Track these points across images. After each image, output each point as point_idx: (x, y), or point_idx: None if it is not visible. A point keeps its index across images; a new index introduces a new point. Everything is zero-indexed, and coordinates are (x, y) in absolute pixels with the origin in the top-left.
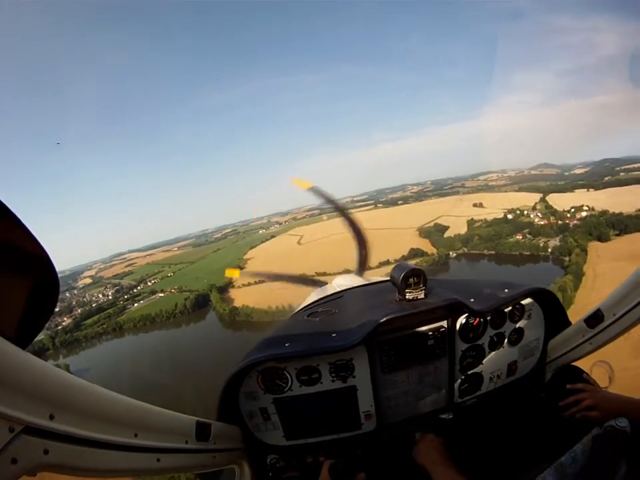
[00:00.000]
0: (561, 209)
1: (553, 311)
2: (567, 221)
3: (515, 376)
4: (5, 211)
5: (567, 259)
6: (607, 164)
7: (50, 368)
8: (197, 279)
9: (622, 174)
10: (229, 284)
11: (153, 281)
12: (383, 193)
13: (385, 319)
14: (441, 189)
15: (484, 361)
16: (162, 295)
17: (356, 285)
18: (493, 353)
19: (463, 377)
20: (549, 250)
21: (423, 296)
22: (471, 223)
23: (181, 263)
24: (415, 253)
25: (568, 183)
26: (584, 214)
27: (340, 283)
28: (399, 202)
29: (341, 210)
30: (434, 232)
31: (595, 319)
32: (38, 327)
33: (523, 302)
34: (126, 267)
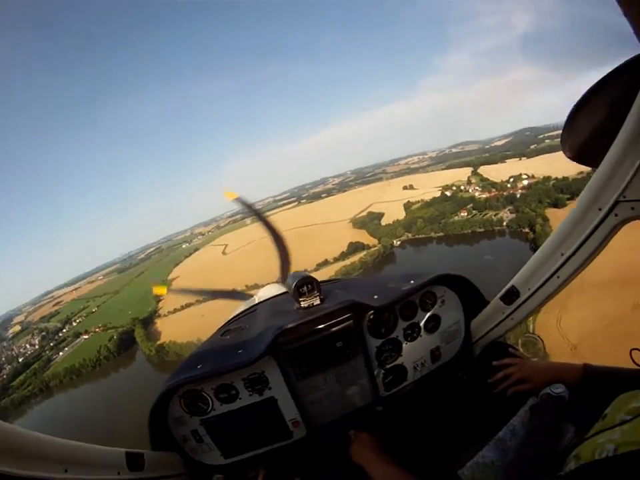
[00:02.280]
0: (499, 180)
1: (468, 293)
2: (512, 191)
3: (440, 361)
4: None
5: (527, 230)
6: (527, 133)
7: None
8: (121, 311)
9: (547, 141)
10: (154, 313)
11: (78, 320)
12: (303, 188)
13: (279, 331)
14: (363, 177)
15: (403, 353)
16: (86, 337)
17: (274, 295)
18: (411, 343)
19: (384, 371)
20: (504, 223)
21: (318, 302)
22: (408, 206)
23: (105, 294)
24: (356, 247)
25: (494, 154)
26: (525, 182)
27: (261, 295)
28: (323, 195)
29: (262, 217)
30: (369, 221)
31: (510, 295)
32: None
33: (434, 290)
34: (53, 306)
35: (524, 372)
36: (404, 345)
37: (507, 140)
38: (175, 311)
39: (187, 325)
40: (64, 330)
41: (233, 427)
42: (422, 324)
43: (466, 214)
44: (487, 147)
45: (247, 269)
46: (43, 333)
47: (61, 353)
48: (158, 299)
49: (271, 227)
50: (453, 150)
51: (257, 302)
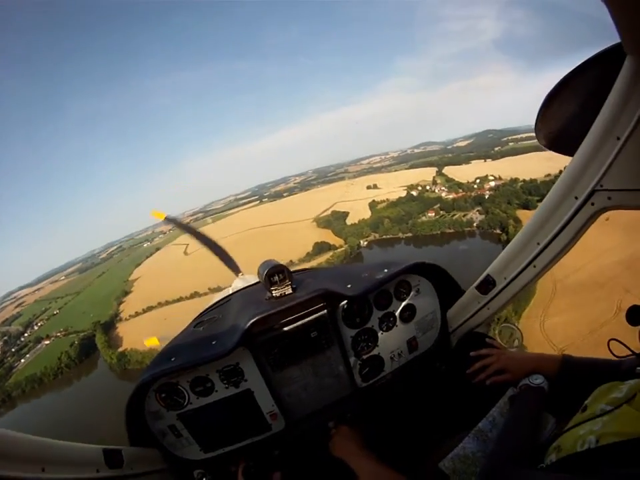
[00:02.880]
0: (465, 181)
1: (443, 283)
2: (479, 192)
3: (418, 351)
4: None
5: (499, 231)
6: (490, 135)
7: None
8: (83, 313)
9: (511, 144)
10: (116, 317)
11: (39, 323)
12: (264, 187)
13: (252, 321)
14: (324, 177)
15: (379, 343)
16: (47, 342)
17: (244, 286)
18: (387, 333)
19: (360, 362)
20: (475, 224)
21: (290, 291)
22: (373, 205)
23: (67, 295)
24: (321, 247)
25: (458, 155)
26: (492, 184)
27: (235, 286)
28: (284, 194)
29: (191, 230)
30: (333, 220)
31: (486, 284)
32: None
33: (408, 279)
34: (15, 307)
35: (502, 362)
36: (380, 335)
37: (469, 141)
38: (137, 314)
39: (149, 330)
40: (25, 334)
41: (211, 420)
42: (397, 313)
43: (434, 214)
44: (449, 147)
45: (208, 270)
46: (5, 338)
47: (22, 360)
48: (119, 300)
49: (203, 237)
50: (415, 150)
51: (230, 292)
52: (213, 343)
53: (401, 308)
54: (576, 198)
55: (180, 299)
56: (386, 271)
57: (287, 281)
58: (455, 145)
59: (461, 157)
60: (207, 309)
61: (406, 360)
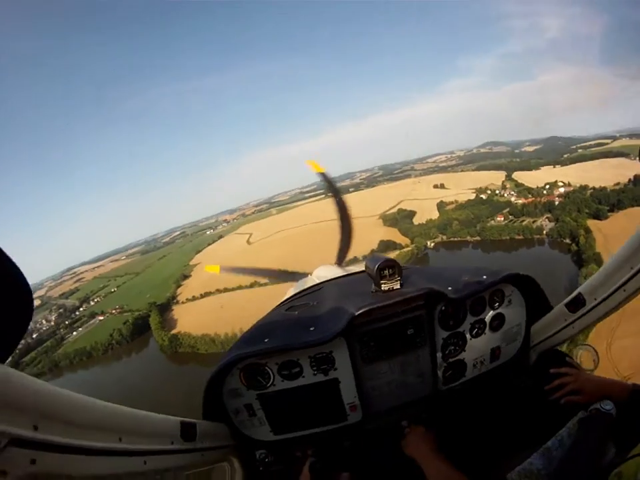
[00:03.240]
0: (534, 186)
1: (534, 296)
2: (549, 198)
3: (498, 361)
4: None
5: (568, 240)
6: (558, 142)
7: (30, 379)
8: (139, 293)
9: (580, 150)
10: (172, 299)
11: (96, 300)
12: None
13: (360, 311)
14: (390, 174)
15: (466, 348)
16: (102, 318)
17: (335, 276)
18: (475, 339)
19: (446, 365)
20: (545, 232)
21: (398, 286)
22: (441, 206)
23: (126, 274)
24: (387, 245)
25: (527, 160)
26: (562, 190)
27: (320, 275)
28: (350, 189)
29: (338, 196)
30: (400, 219)
31: (576, 303)
32: (15, 340)
33: (503, 288)
34: (74, 283)
35: (578, 383)
36: (468, 340)
37: (537, 147)
38: (194, 298)
39: (204, 316)
40: (81, 308)
41: (290, 404)
42: (487, 321)
43: (502, 219)
44: (516, 150)
45: (271, 260)
46: (60, 310)
47: (74, 333)
48: (178, 284)
49: (344, 208)
50: (481, 150)
51: (317, 281)
52: (311, 329)
53: (492, 316)
54: None
55: (239, 287)
56: (485, 277)
57: (397, 276)
58: (522, 149)
59: (531, 162)
60: (296, 294)
61: (487, 368)
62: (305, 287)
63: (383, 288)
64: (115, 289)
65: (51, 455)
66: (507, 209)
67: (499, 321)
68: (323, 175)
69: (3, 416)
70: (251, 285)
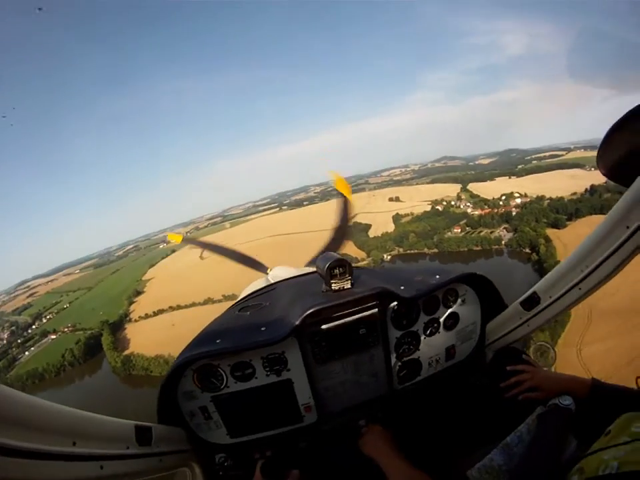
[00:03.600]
0: (490, 197)
1: (488, 295)
2: (506, 209)
3: (454, 360)
4: None
5: (528, 250)
6: (513, 154)
7: None
8: (92, 310)
9: (534, 162)
10: (125, 317)
11: (48, 316)
12: (284, 195)
13: (310, 311)
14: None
15: (420, 347)
16: (54, 337)
17: (289, 276)
18: (429, 338)
19: (400, 364)
20: (503, 242)
21: (349, 286)
22: (397, 218)
23: (79, 289)
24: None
25: (481, 172)
26: (518, 200)
27: (275, 274)
28: (305, 203)
29: (212, 247)
30: (355, 232)
31: (531, 301)
32: None
33: (456, 287)
34: (27, 297)
35: (535, 380)
36: (422, 340)
37: (491, 159)
38: (147, 316)
39: (157, 334)
40: (33, 326)
41: (244, 406)
42: (442, 320)
43: (460, 230)
44: (470, 163)
45: (223, 276)
46: (13, 328)
47: (27, 353)
48: (130, 300)
49: (223, 248)
50: (436, 164)
51: (272, 281)
52: (262, 329)
53: (446, 315)
54: (627, 227)
55: (192, 304)
56: (438, 277)
57: (347, 275)
58: (477, 162)
59: (485, 174)
60: (249, 295)
61: (442, 367)
62: (259, 287)
63: (333, 287)
64: (68, 305)
65: (3, 458)
66: (464, 221)
67: (453, 320)
68: (187, 240)
69: None
70: (204, 302)
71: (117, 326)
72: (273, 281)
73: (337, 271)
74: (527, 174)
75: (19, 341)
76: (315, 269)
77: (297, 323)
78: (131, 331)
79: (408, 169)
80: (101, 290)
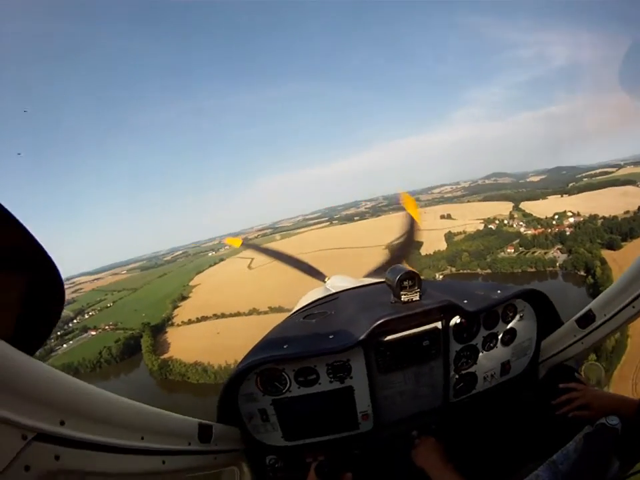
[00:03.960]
0: (543, 216)
1: (545, 312)
2: (559, 229)
3: (508, 375)
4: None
5: (583, 272)
6: (563, 171)
7: (58, 374)
8: (135, 311)
9: (585, 179)
10: (167, 321)
11: (91, 313)
12: (335, 209)
13: (381, 321)
14: (396, 203)
15: (478, 361)
16: (94, 333)
17: (350, 286)
18: (487, 352)
19: (457, 377)
20: (558, 264)
21: (417, 298)
22: (449, 236)
23: (124, 290)
24: None
25: (533, 190)
26: (571, 220)
27: (334, 284)
28: (355, 218)
29: (271, 252)
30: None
31: (586, 319)
32: (45, 333)
33: (516, 303)
34: (72, 293)
35: (586, 399)
36: (480, 354)
37: (541, 177)
38: (190, 322)
39: (198, 341)
40: (75, 320)
41: (304, 410)
42: (500, 335)
43: (513, 250)
44: (520, 181)
45: (271, 288)
46: None
47: (64, 345)
48: (175, 304)
49: (281, 254)
50: (486, 181)
51: (332, 290)
52: (330, 337)
53: (504, 330)
54: None
55: (237, 314)
56: (499, 292)
57: (416, 287)
58: (527, 180)
59: (537, 192)
60: (312, 302)
61: (497, 382)
62: (319, 295)
63: (402, 299)
64: (111, 304)
65: (74, 451)
66: (517, 240)
67: (510, 335)
68: (244, 244)
69: (30, 410)
70: (249, 313)
71: (159, 329)
72: (333, 290)
73: (406, 283)
74: (578, 192)
75: (59, 333)
76: (377, 280)
77: (367, 332)
78: (172, 335)
79: (458, 186)
80: (146, 292)
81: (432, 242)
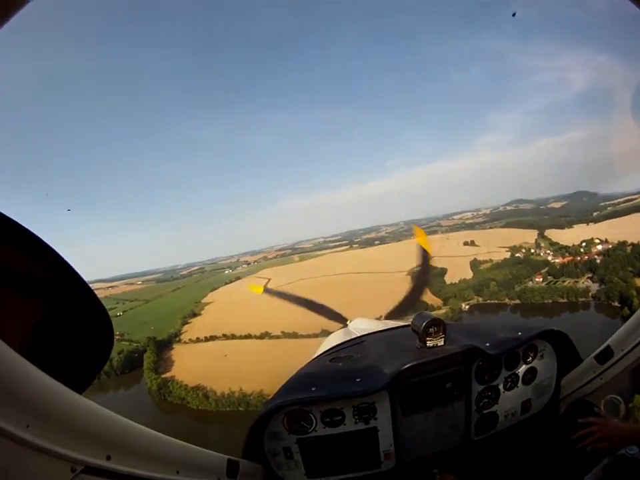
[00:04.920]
0: (570, 244)
1: (565, 350)
2: (588, 257)
3: (529, 413)
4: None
5: (617, 304)
6: (584, 198)
7: (103, 410)
8: (144, 323)
9: (609, 208)
10: (175, 337)
11: None
12: (355, 233)
13: (407, 366)
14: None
15: (499, 401)
16: None
17: (374, 329)
18: (508, 392)
19: (479, 416)
20: (591, 294)
21: (442, 343)
22: (475, 264)
23: (136, 300)
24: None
25: (557, 218)
26: (600, 247)
27: (357, 327)
28: (376, 242)
29: (292, 298)
30: (431, 277)
31: (605, 355)
32: (93, 373)
33: (536, 343)
34: None
35: (605, 431)
36: (502, 394)
37: (562, 203)
38: (198, 340)
39: (203, 363)
40: None
41: (328, 449)
42: (521, 375)
43: (541, 279)
44: (542, 207)
45: (285, 312)
46: None
47: None
48: (185, 320)
49: (302, 300)
50: (507, 207)
51: (355, 333)
52: (357, 380)
53: (525, 370)
54: None
55: (248, 336)
56: (520, 334)
57: (441, 333)
58: (548, 206)
59: (562, 220)
60: (338, 345)
61: (517, 420)
62: (344, 338)
63: (428, 344)
64: (121, 313)
65: None
66: (546, 269)
67: (531, 374)
68: (267, 290)
69: (80, 445)
70: (261, 336)
71: (165, 344)
72: (356, 333)
73: (432, 329)
74: (604, 219)
75: None
76: (402, 324)
77: (393, 376)
78: (177, 352)
79: (479, 213)
80: (158, 305)
81: (456, 269)
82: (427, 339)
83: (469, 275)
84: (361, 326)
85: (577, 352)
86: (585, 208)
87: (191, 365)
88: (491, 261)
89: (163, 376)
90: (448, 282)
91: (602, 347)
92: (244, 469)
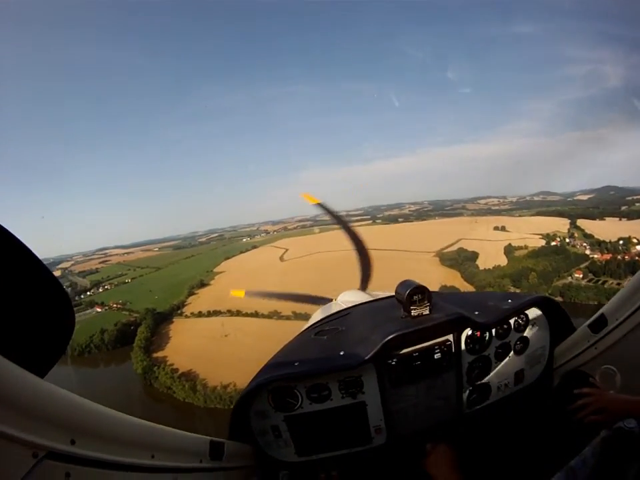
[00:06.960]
0: (606, 239)
1: (557, 318)
2: (629, 256)
3: (522, 384)
4: None
5: None
6: (611, 192)
7: (68, 395)
8: (149, 292)
9: (637, 204)
10: (177, 309)
11: (107, 286)
12: (378, 209)
13: (391, 337)
14: (442, 209)
15: (491, 371)
16: (99, 310)
17: (361, 301)
18: (500, 362)
19: (470, 388)
20: None
21: (427, 312)
22: (509, 250)
23: (147, 267)
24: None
25: (587, 209)
26: (638, 247)
27: (345, 300)
28: (400, 219)
29: (345, 225)
30: (462, 261)
31: (598, 323)
32: (55, 355)
33: (527, 311)
34: (99, 263)
35: (602, 403)
36: (493, 364)
37: (589, 196)
38: (200, 314)
39: (200, 343)
40: (89, 292)
41: (316, 426)
42: (512, 344)
43: (581, 276)
44: (568, 199)
45: (300, 283)
46: (69, 288)
47: None
48: (191, 291)
49: (355, 236)
50: (535, 198)
51: (343, 306)
52: (341, 353)
53: (516, 339)
54: None
55: (255, 314)
56: (510, 301)
57: (426, 302)
58: (575, 198)
59: (592, 211)
60: (323, 319)
61: (510, 391)
62: (331, 311)
63: (412, 314)
64: (129, 280)
65: (85, 469)
66: (585, 264)
67: (523, 344)
68: (320, 205)
69: (41, 429)
70: (269, 315)
71: (165, 317)
72: (344, 306)
73: (416, 297)
74: (638, 217)
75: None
76: (388, 294)
77: (377, 348)
78: (176, 327)
79: (505, 200)
80: (169, 273)
81: (488, 254)
82: (412, 307)
83: (502, 260)
84: (349, 298)
85: (570, 320)
86: (612, 201)
87: (188, 343)
88: (526, 247)
89: (155, 354)
90: (481, 267)
91: (596, 315)
92: (231, 450)
